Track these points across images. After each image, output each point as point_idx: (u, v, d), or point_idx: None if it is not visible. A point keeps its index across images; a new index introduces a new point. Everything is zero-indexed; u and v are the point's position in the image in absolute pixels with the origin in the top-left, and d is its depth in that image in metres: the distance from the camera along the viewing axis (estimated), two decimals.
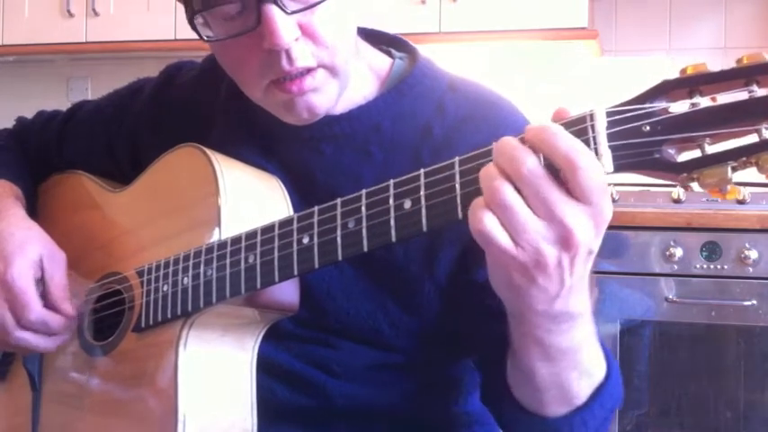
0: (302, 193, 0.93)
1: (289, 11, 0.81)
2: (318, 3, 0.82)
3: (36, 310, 0.95)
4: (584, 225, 0.63)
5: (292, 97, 0.86)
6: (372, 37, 1.02)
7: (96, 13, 2.88)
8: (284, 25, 0.80)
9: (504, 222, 0.63)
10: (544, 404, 0.78)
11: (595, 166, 0.62)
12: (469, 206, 0.65)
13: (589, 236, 0.64)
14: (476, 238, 0.64)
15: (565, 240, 0.63)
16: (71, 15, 2.90)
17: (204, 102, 1.03)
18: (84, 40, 2.92)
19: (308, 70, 0.84)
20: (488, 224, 0.63)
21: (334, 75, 0.87)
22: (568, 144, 0.62)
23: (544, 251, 0.63)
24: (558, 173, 0.63)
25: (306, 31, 0.83)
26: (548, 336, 0.72)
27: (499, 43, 2.75)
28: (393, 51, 1.01)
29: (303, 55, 0.83)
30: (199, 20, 0.85)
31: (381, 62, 0.99)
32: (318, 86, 0.86)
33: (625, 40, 2.86)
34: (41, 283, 0.97)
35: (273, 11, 0.80)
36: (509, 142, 0.64)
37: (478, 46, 2.80)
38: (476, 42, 2.73)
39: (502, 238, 0.63)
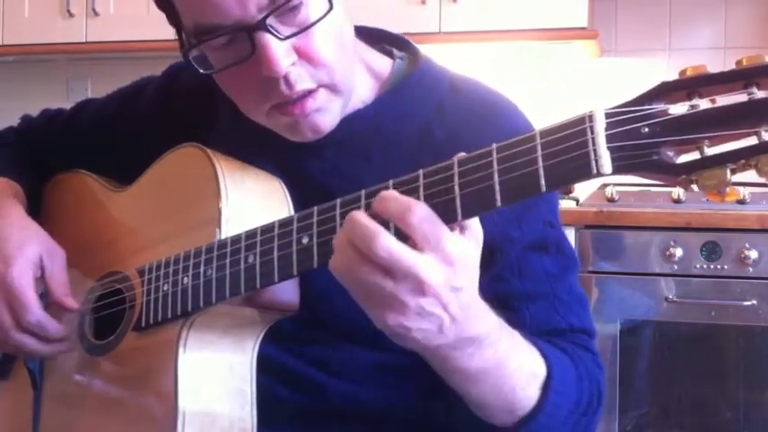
0: (301, 198, 0.92)
1: (282, 36, 0.80)
2: (311, 25, 0.81)
3: (34, 311, 0.95)
4: (434, 272, 0.66)
5: (296, 119, 0.86)
6: (373, 36, 1.01)
7: (96, 13, 2.88)
8: (279, 52, 0.80)
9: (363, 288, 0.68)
10: (492, 417, 0.80)
11: (426, 216, 0.66)
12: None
13: (441, 279, 0.66)
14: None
15: (419, 289, 0.66)
16: (71, 15, 2.90)
17: (206, 103, 1.02)
18: (84, 40, 2.92)
19: (309, 92, 0.84)
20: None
21: (336, 92, 0.86)
22: (399, 204, 0.67)
23: (406, 302, 0.67)
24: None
25: (302, 54, 0.82)
26: (459, 362, 0.74)
27: (499, 43, 2.75)
28: (394, 51, 1.00)
29: (301, 78, 0.83)
30: (194, 53, 0.85)
31: (381, 63, 0.99)
32: (321, 106, 0.86)
33: (625, 40, 2.85)
34: (42, 281, 0.97)
35: (267, 38, 0.79)
36: (358, 219, 0.67)
37: (479, 46, 2.79)
38: (476, 42, 2.73)
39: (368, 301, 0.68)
